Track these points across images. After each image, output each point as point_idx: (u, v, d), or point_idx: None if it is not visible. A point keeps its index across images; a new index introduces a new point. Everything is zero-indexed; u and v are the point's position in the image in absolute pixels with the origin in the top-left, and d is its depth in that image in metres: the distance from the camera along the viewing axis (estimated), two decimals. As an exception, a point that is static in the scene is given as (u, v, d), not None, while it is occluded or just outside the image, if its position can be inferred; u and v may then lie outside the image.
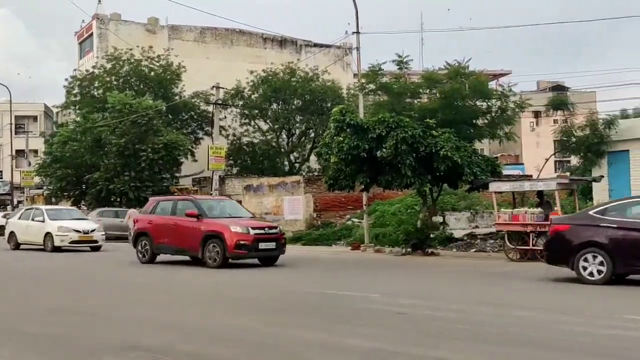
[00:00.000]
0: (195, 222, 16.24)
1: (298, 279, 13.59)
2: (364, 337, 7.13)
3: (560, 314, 8.51)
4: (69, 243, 22.41)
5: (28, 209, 26.14)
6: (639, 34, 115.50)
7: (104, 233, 23.85)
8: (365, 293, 10.86)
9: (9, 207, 49.63)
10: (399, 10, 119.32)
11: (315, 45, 47.74)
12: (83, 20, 47.23)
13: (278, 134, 40.59)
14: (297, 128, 40.64)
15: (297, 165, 40.93)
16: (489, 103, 22.02)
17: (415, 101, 22.88)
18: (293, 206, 28.28)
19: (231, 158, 38.76)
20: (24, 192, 51.33)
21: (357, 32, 24.60)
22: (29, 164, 49.99)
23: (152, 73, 38.97)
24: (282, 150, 40.70)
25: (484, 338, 7.03)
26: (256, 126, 40.48)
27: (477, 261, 17.49)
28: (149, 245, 17.29)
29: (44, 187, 45.57)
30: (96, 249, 22.84)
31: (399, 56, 22.21)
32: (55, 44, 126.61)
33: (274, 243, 16.14)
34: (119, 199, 33.89)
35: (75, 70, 43.42)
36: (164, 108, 34.59)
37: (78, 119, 38.46)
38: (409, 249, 19.73)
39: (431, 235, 20.45)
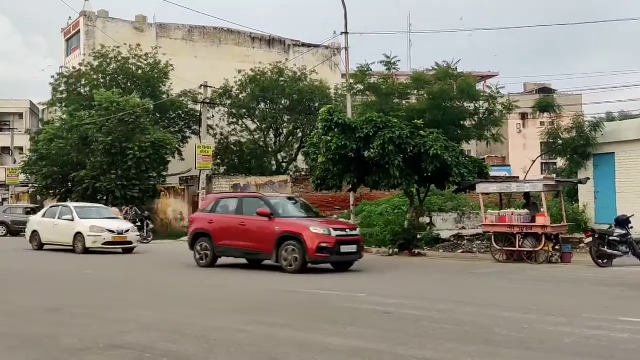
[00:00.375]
0: (267, 221, 14.65)
1: (283, 278, 13.56)
2: (349, 337, 7.13)
3: (546, 315, 8.55)
4: (102, 244, 20.54)
5: (53, 207, 23.98)
6: (623, 36, 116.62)
7: (138, 234, 22.60)
8: (351, 293, 10.86)
9: (-7, 205, 49.22)
10: (388, 11, 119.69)
11: (304, 45, 47.72)
12: (70, 17, 46.93)
13: (265, 133, 40.52)
14: (284, 128, 40.60)
15: (284, 165, 40.87)
16: (476, 104, 22.20)
17: (404, 102, 23.01)
18: (280, 206, 28.19)
19: (218, 157, 38.64)
20: (8, 190, 50.86)
21: (346, 33, 24.65)
22: (14, 162, 49.55)
23: (140, 71, 38.73)
24: (270, 149, 40.62)
25: (470, 338, 7.04)
26: (244, 125, 40.38)
27: (464, 262, 17.55)
28: (209, 247, 15.73)
29: (30, 185, 45.19)
30: (129, 250, 21.06)
31: (387, 57, 22.33)
32: (41, 41, 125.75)
33: (355, 246, 14.83)
34: (105, 197, 33.64)
35: (61, 67, 43.09)
36: (152, 106, 34.40)
37: (64, 116, 38.13)
38: (396, 250, 19.77)
39: (418, 236, 20.50)
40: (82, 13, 43.47)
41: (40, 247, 22.22)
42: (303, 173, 37.46)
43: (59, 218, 21.82)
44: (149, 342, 6.78)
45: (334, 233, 14.28)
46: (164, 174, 36.02)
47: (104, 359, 6.20)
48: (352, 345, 6.68)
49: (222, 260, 16.25)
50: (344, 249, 14.45)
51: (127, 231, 21.12)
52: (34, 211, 35.16)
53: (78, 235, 20.68)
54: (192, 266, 15.96)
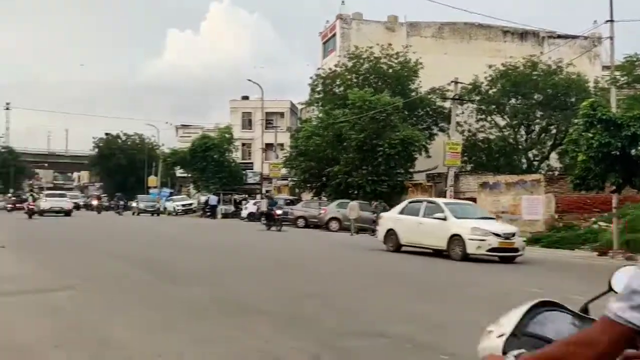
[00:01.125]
0: None
1: (539, 279, 12.95)
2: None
3: None
4: (487, 250, 16.64)
5: (414, 202, 20.43)
6: None
7: (524, 239, 18.61)
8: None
9: (258, 196, 54.45)
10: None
11: (559, 36, 45.08)
12: (327, 21, 50.01)
13: (516, 130, 39.15)
14: (536, 124, 38.83)
15: (535, 163, 39.09)
16: None
17: (681, 94, 20.59)
18: (532, 206, 27.00)
19: (465, 154, 38.23)
20: (271, 183, 55.87)
21: (611, 21, 22.64)
22: (277, 157, 54.27)
23: (391, 70, 39.94)
24: (520, 147, 39.15)
25: None
26: (493, 122, 39.45)
27: None
28: None
29: (289, 179, 49.18)
30: (510, 259, 16.68)
31: (663, 44, 20.06)
32: (298, 44, 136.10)
33: None
34: (356, 192, 35.32)
35: (318, 68, 46.16)
36: (401, 104, 35.26)
37: (321, 115, 40.84)
38: (667, 259, 17.70)
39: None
40: (338, 16, 46.07)
41: (398, 248, 18.96)
42: (556, 172, 35.44)
43: (424, 216, 18.42)
44: (409, 333, 6.94)
45: None
46: (411, 170, 36.73)
47: (365, 344, 6.49)
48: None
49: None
50: None
51: (514, 235, 17.10)
52: (292, 203, 38.27)
53: (455, 237, 17.05)
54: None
